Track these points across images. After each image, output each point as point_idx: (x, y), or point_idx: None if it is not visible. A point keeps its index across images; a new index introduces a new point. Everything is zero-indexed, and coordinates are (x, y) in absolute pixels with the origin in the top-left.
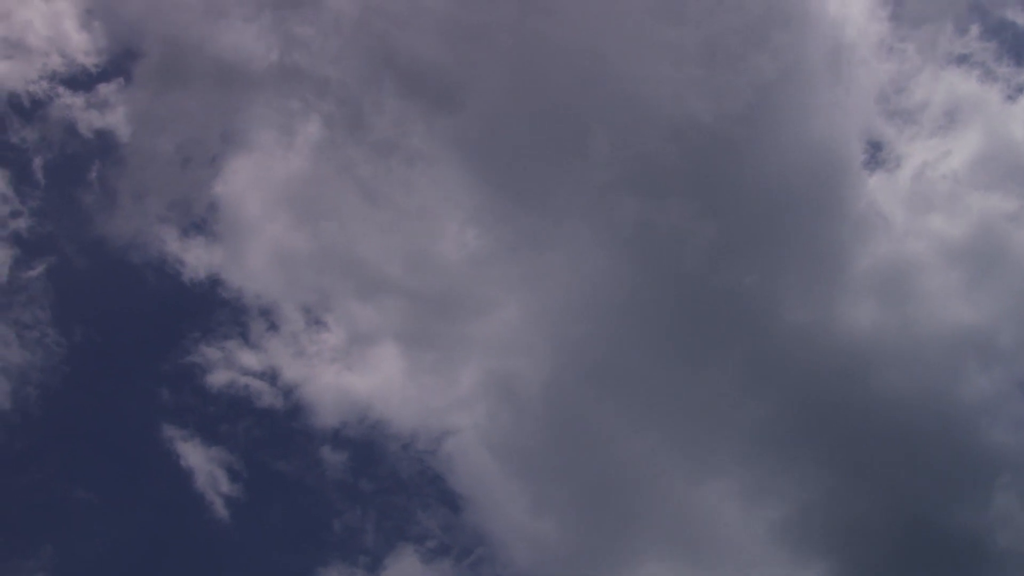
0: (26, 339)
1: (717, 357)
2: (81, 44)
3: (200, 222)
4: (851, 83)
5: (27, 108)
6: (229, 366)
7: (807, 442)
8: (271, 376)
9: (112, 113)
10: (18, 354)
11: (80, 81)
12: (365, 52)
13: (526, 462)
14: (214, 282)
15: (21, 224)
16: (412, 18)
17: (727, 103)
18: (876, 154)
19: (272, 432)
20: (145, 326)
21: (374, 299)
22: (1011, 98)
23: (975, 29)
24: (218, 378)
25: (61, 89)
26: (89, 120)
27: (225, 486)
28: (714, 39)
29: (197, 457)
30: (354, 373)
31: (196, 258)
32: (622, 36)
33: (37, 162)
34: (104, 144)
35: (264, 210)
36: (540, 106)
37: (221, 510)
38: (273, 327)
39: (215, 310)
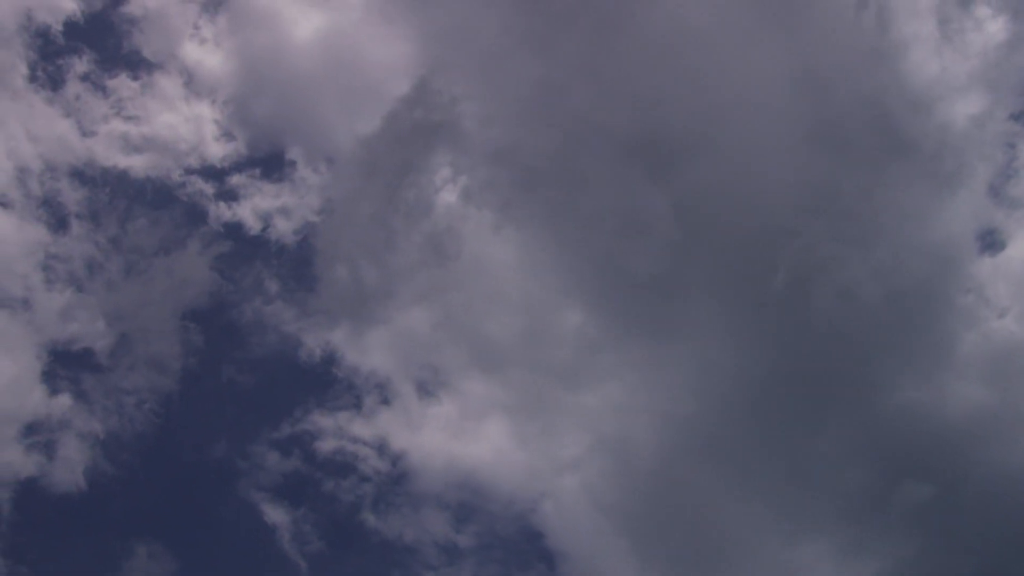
0: (125, 405)
1: (821, 430)
2: (217, 143)
3: (319, 303)
4: (963, 173)
5: (154, 197)
6: (339, 435)
7: (903, 507)
8: (379, 444)
9: (240, 206)
10: (117, 422)
11: (212, 174)
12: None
13: (632, 520)
14: (330, 359)
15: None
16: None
17: (838, 196)
18: (985, 238)
19: (373, 494)
20: (254, 397)
21: (488, 376)
22: None
23: None
24: (326, 445)
25: (192, 179)
26: (219, 212)
27: (315, 544)
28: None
29: (282, 516)
30: (462, 443)
31: (314, 338)
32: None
33: (156, 243)
34: (231, 233)
35: (383, 287)
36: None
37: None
38: (386, 401)
39: (330, 386)
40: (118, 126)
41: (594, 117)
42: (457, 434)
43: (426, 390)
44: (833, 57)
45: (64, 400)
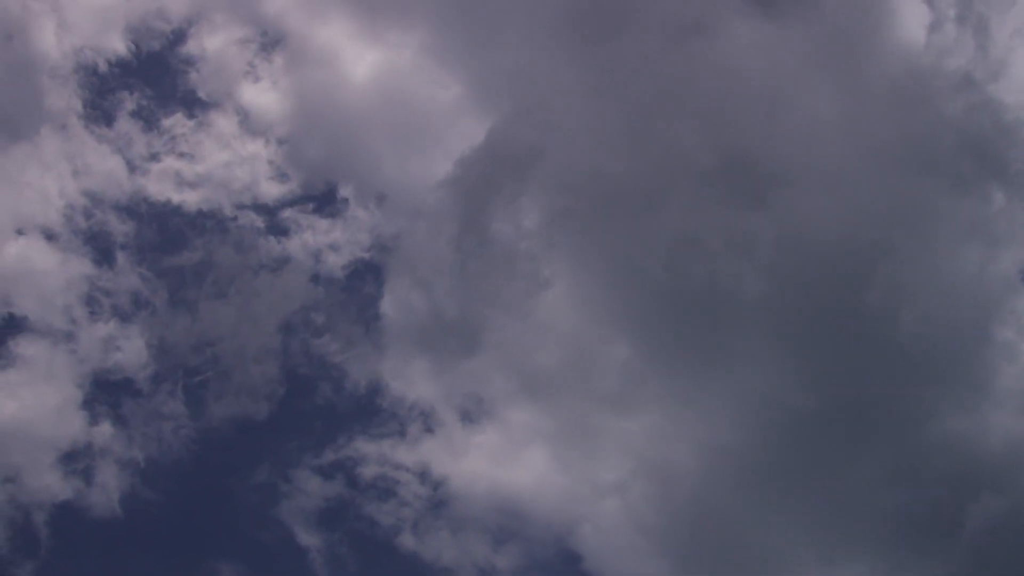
0: (164, 431)
1: (860, 458)
2: (270, 181)
3: (362, 333)
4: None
5: (203, 231)
6: (382, 461)
7: (941, 532)
8: (421, 471)
9: (289, 241)
10: (156, 449)
11: (264, 210)
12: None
13: (672, 543)
14: (375, 390)
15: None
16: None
17: (879, 229)
18: None
19: (412, 518)
20: (299, 427)
21: (532, 404)
22: None
23: None
24: (368, 471)
25: (243, 214)
26: (268, 246)
27: (350, 566)
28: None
29: (318, 538)
30: (504, 468)
31: (359, 368)
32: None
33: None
34: (281, 266)
35: (427, 320)
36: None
37: None
38: (429, 430)
39: (374, 415)
40: (171, 163)
41: (675, 145)
42: (499, 460)
43: (470, 418)
44: (925, 77)
45: (105, 428)
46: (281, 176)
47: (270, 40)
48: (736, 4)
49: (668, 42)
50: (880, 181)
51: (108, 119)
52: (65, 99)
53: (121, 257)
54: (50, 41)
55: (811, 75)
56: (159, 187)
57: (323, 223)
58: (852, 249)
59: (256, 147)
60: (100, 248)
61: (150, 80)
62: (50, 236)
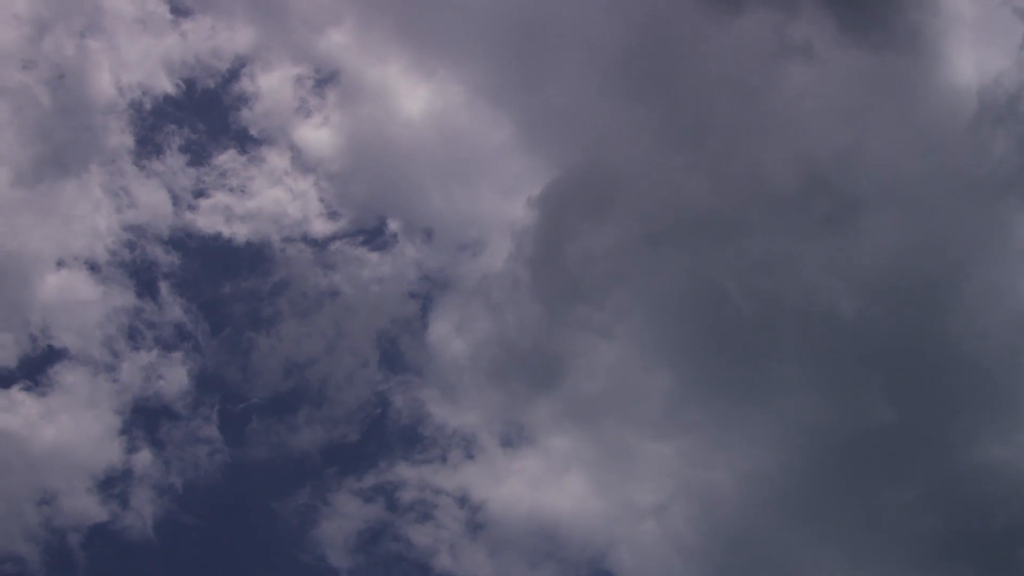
0: (201, 457)
1: (898, 483)
2: (319, 218)
3: (409, 363)
4: None
5: (250, 261)
6: (422, 486)
7: (973, 554)
8: (460, 496)
9: (336, 273)
10: (193, 471)
11: (313, 243)
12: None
13: (709, 564)
14: (418, 417)
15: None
16: None
17: (933, 260)
18: None
19: (449, 540)
20: (342, 452)
21: (571, 431)
22: None
23: None
24: (408, 495)
25: (290, 246)
26: (316, 279)
27: None
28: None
29: (354, 560)
30: (543, 492)
31: (402, 395)
32: None
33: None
34: (327, 298)
35: (470, 349)
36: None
37: None
38: (470, 456)
39: (417, 442)
40: (222, 198)
41: (755, 170)
42: (539, 485)
43: (511, 444)
44: (1012, 96)
45: (144, 454)
46: (331, 213)
47: (323, 78)
48: (831, 30)
49: (751, 68)
50: (957, 204)
51: (159, 155)
52: (117, 136)
53: (164, 288)
54: (105, 79)
55: (896, 97)
56: (208, 221)
57: (372, 256)
58: (927, 274)
59: (307, 183)
60: (143, 280)
61: (203, 117)
62: (93, 268)
